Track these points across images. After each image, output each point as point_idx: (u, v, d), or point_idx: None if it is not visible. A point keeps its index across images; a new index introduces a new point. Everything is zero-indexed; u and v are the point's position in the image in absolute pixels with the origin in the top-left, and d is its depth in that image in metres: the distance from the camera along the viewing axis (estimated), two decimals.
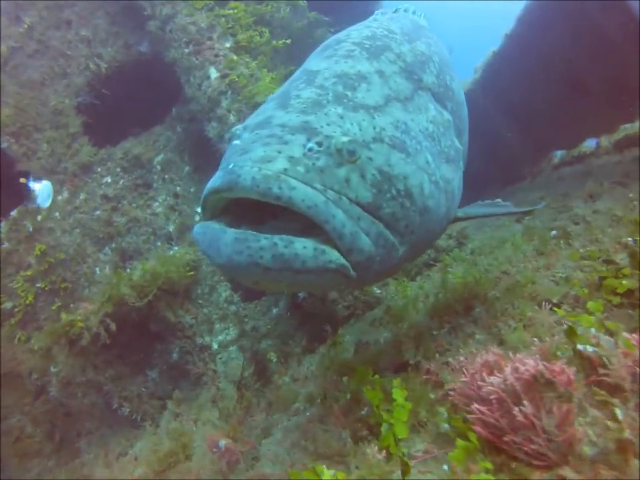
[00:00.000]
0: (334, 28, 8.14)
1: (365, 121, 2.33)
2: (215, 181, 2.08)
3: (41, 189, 6.73)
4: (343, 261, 2.04)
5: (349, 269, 2.07)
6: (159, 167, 7.04)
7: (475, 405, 2.03)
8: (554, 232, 4.30)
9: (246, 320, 6.53)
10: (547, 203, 5.22)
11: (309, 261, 1.95)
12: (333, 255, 2.01)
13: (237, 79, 5.97)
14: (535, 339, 2.58)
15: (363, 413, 2.79)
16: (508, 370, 2.00)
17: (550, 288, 3.27)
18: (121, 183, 6.94)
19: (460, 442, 1.97)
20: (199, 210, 7.01)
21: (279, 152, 2.05)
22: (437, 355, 3.17)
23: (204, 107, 6.24)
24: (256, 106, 5.97)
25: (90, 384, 5.61)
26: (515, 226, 5.36)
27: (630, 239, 3.25)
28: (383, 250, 2.23)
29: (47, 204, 6.82)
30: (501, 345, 2.86)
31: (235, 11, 6.12)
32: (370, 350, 4.08)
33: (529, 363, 2.00)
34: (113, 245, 6.71)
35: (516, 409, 1.89)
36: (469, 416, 2.06)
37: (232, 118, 6.06)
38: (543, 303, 2.88)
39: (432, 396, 2.53)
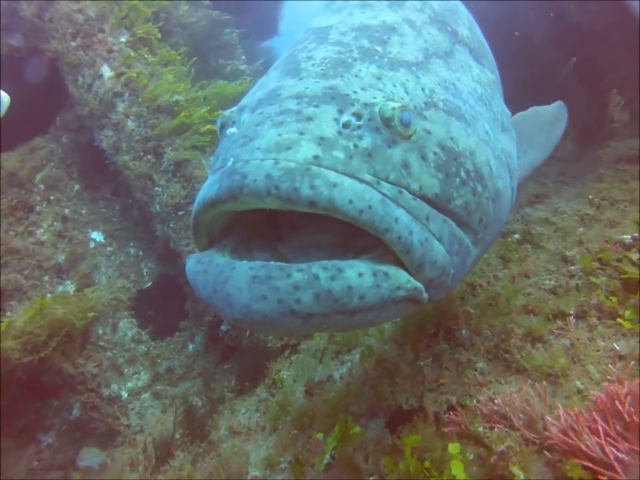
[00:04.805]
0: (239, 29, 7.49)
1: (409, 81, 1.78)
2: (209, 188, 1.48)
3: None
4: (414, 283, 1.50)
5: (421, 291, 1.53)
6: (42, 186, 5.96)
7: None
8: (516, 236, 3.92)
9: (159, 361, 5.76)
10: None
11: (368, 293, 1.38)
12: (401, 278, 1.46)
13: (135, 77, 5.07)
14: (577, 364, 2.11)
15: None
16: None
17: (547, 299, 2.87)
18: None
19: None
20: (94, 236, 6.00)
21: (301, 133, 1.45)
22: (432, 394, 2.59)
23: (95, 111, 5.30)
24: (159, 109, 5.14)
25: None
26: None
27: (628, 236, 2.90)
28: (458, 258, 1.68)
29: None
30: (518, 372, 2.41)
31: None
32: (329, 391, 3.40)
33: None
34: None
35: None
36: None
37: (130, 124, 5.19)
38: (568, 318, 2.43)
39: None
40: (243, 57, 7.58)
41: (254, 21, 8.39)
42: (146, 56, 5.28)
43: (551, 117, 3.31)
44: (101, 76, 5.15)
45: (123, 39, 5.25)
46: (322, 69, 1.71)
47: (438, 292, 1.67)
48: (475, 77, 2.26)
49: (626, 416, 1.58)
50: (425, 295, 1.56)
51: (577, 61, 6.00)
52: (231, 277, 1.37)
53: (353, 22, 2.05)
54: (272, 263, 1.37)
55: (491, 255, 3.70)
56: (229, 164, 1.45)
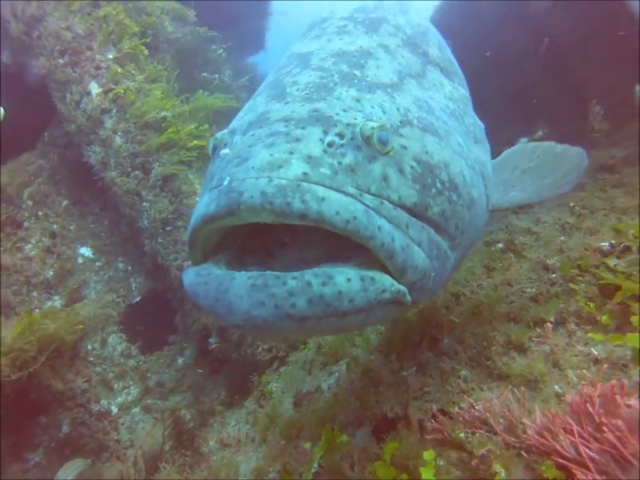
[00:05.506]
0: (225, 44, 7.57)
1: (386, 102, 1.92)
2: (207, 205, 1.58)
3: None
4: (397, 286, 1.60)
5: (405, 294, 1.64)
6: (30, 202, 5.96)
7: None
8: (500, 245, 3.99)
9: (148, 375, 5.75)
10: None
11: (357, 297, 1.49)
12: (386, 282, 1.57)
13: (123, 94, 5.12)
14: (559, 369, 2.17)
15: None
16: None
17: (529, 306, 2.93)
18: None
19: None
20: (82, 251, 6.00)
21: (291, 152, 1.58)
22: (417, 402, 2.63)
23: (83, 128, 5.33)
24: (147, 125, 5.18)
25: None
26: None
27: (606, 243, 2.97)
28: (437, 262, 1.80)
29: None
30: (500, 379, 2.45)
31: (115, 11, 5.26)
32: (317, 402, 3.43)
33: None
34: None
35: None
36: None
37: (118, 140, 5.21)
38: (546, 325, 2.48)
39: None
40: (229, 72, 7.66)
41: (240, 35, 8.48)
42: (133, 72, 5.32)
43: (567, 167, 3.21)
44: (89, 93, 5.18)
45: (110, 56, 5.29)
46: (306, 93, 1.85)
47: (420, 294, 1.77)
48: (446, 94, 2.41)
49: (596, 417, 1.63)
50: (409, 298, 1.66)
51: (558, 73, 6.13)
52: (231, 287, 1.48)
53: (332, 48, 2.18)
54: (268, 272, 1.48)
55: (476, 264, 3.76)
56: (226, 182, 1.55)
